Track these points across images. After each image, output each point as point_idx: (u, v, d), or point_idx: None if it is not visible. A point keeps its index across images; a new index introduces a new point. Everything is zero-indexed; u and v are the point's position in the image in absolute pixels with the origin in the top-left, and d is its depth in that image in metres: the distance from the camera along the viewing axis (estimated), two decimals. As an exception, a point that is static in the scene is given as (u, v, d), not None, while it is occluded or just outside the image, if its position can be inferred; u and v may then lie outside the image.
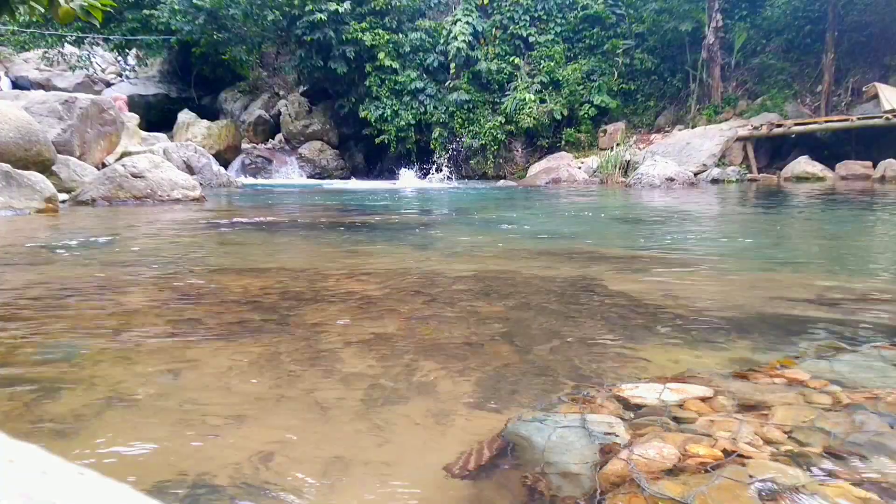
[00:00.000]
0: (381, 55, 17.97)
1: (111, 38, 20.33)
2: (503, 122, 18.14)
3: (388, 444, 1.30)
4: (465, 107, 18.42)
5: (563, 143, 17.99)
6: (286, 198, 10.68)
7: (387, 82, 18.37)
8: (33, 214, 6.13)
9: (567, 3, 19.02)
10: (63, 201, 7.16)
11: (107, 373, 1.69)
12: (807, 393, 1.36)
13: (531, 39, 18.88)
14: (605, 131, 17.39)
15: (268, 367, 1.74)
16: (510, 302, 2.54)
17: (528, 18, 18.94)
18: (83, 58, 22.47)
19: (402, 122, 18.29)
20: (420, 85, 18.44)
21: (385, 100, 18.37)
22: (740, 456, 1.06)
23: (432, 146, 18.70)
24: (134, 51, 21.73)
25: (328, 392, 1.57)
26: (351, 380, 1.65)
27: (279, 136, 20.98)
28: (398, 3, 18.22)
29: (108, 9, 3.14)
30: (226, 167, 15.59)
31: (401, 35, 18.54)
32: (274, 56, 22.77)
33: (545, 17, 19.02)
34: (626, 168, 14.92)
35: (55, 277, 3.03)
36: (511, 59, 18.70)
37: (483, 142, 18.27)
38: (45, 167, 7.61)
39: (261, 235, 5.05)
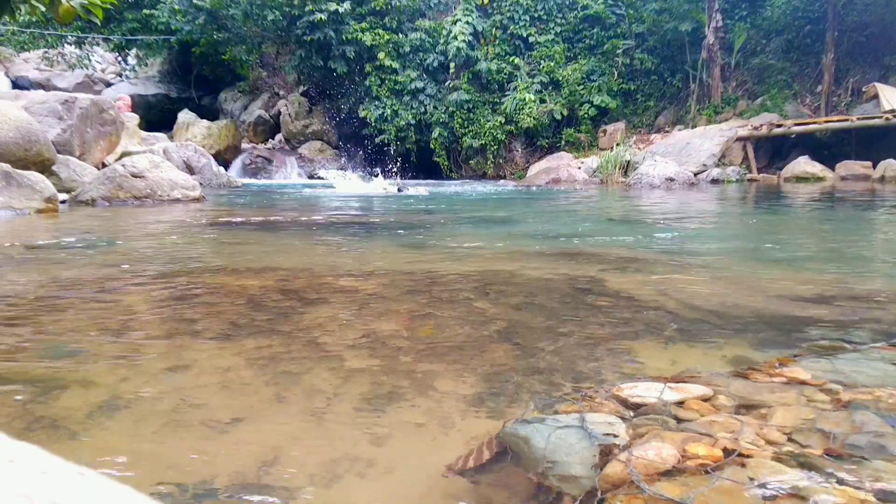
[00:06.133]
0: (381, 55, 17.97)
1: (111, 38, 20.31)
2: (503, 122, 18.12)
3: (389, 445, 1.30)
4: (465, 107, 18.40)
5: (563, 143, 17.97)
6: (285, 197, 10.67)
7: (387, 82, 18.36)
8: (33, 214, 6.13)
9: (567, 3, 19.00)
10: (63, 201, 7.16)
11: (106, 373, 1.69)
12: (807, 392, 1.36)
13: (531, 39, 18.86)
14: (605, 131, 17.37)
15: (267, 367, 1.74)
16: (510, 302, 2.54)
17: (528, 18, 18.92)
18: (83, 58, 22.45)
19: (402, 122, 18.29)
20: (420, 85, 18.43)
21: (385, 100, 18.36)
22: (740, 456, 1.06)
23: (432, 146, 18.70)
24: (134, 51, 21.71)
25: (328, 392, 1.57)
26: (351, 380, 1.65)
27: (279, 136, 20.98)
28: (398, 3, 18.21)
29: (109, 6, 3.14)
30: (226, 167, 15.59)
31: (401, 35, 18.52)
32: (274, 56, 22.74)
33: (545, 17, 19.00)
34: (626, 168, 14.90)
35: (55, 277, 3.03)
36: (511, 59, 18.68)
37: (483, 142, 18.26)
38: (45, 167, 7.60)
39: (260, 235, 5.05)
